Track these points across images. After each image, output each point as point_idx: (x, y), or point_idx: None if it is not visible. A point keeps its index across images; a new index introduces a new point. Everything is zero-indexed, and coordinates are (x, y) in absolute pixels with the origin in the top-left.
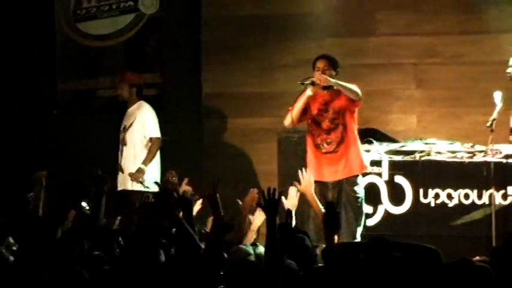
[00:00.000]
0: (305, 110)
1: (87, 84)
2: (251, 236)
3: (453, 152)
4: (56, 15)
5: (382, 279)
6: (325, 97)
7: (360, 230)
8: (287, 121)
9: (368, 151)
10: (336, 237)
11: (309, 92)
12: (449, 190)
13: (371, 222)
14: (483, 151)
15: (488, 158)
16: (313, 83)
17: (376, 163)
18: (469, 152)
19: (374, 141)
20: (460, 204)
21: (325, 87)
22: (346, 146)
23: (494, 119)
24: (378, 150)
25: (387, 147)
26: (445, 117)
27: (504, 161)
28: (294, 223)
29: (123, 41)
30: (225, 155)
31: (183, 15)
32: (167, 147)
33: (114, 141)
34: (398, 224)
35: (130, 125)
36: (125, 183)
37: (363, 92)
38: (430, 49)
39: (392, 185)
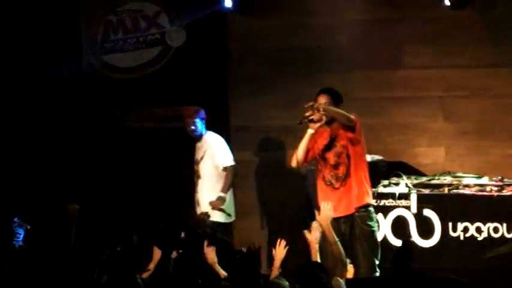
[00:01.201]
0: (312, 148)
1: (114, 116)
2: (275, 271)
3: (481, 186)
4: (83, 47)
5: None
6: (329, 132)
7: (377, 262)
8: (293, 162)
9: (397, 184)
10: (351, 269)
11: (310, 130)
12: (478, 224)
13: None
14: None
15: None
16: (312, 120)
17: (405, 196)
18: (497, 186)
19: (402, 175)
20: (490, 237)
21: (327, 123)
22: (353, 178)
23: None
24: (406, 183)
25: (415, 180)
26: (473, 150)
27: None
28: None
29: (149, 74)
30: (254, 187)
31: (210, 48)
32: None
33: (142, 172)
34: (427, 257)
35: (202, 157)
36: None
37: (392, 126)
38: (457, 82)
39: (420, 218)
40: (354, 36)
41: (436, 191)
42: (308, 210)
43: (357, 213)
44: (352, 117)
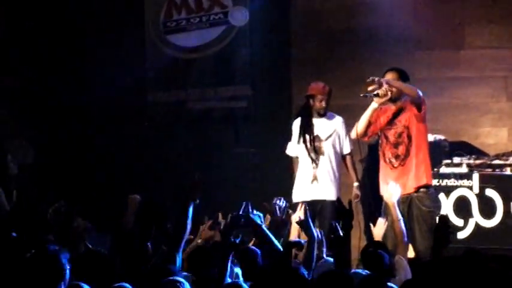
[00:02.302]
0: (375, 123)
1: (177, 96)
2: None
3: None
4: (146, 27)
5: None
6: (393, 110)
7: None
8: (353, 134)
9: (459, 164)
10: (411, 249)
11: (374, 104)
12: None
13: (462, 235)
14: None
15: None
16: (377, 95)
17: (467, 176)
18: None
19: (464, 154)
20: None
21: (392, 100)
22: (412, 159)
23: None
24: (468, 163)
25: (478, 160)
26: None
27: None
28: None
29: (212, 54)
30: None
31: (272, 28)
32: (256, 159)
33: (204, 152)
34: (489, 237)
35: (330, 135)
36: (322, 194)
37: (455, 107)
38: None
39: (482, 198)
40: (417, 16)
41: (498, 171)
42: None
43: (415, 194)
44: (420, 93)
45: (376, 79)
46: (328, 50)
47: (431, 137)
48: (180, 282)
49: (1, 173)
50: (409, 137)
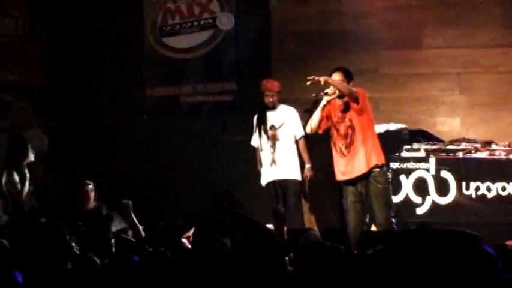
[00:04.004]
0: (327, 118)
1: (172, 91)
2: None
3: (492, 151)
4: (144, 31)
5: (427, 262)
6: (341, 106)
7: (393, 215)
8: (307, 129)
9: (418, 149)
10: (372, 226)
11: (323, 101)
12: (488, 183)
13: (420, 211)
14: None
15: None
16: (326, 94)
17: (424, 160)
18: (505, 151)
19: (422, 141)
20: (498, 195)
21: (339, 97)
22: (357, 145)
23: None
24: (426, 148)
25: (434, 146)
26: (484, 119)
27: None
28: None
29: (202, 54)
30: None
31: (255, 30)
32: (242, 146)
33: (197, 142)
34: (444, 212)
35: (281, 124)
36: (282, 173)
37: (414, 99)
38: (472, 60)
39: (438, 179)
40: (381, 20)
41: (452, 155)
42: None
43: (370, 174)
44: (354, 89)
45: (316, 78)
46: (304, 50)
47: (394, 126)
48: None
49: (21, 160)
50: (353, 128)
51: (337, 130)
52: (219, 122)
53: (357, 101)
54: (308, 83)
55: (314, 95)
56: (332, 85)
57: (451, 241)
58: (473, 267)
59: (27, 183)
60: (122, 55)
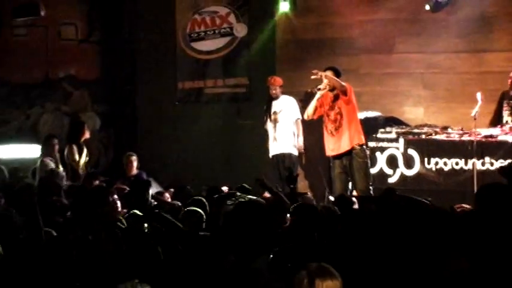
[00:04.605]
0: (320, 107)
1: (197, 84)
2: None
3: (448, 134)
4: (176, 37)
5: (392, 220)
6: (332, 97)
7: (371, 183)
8: (305, 116)
9: (390, 132)
10: (354, 191)
11: (317, 95)
12: (445, 159)
13: (391, 180)
14: (468, 133)
15: (472, 138)
16: (319, 89)
17: (395, 140)
18: (458, 134)
19: (394, 125)
20: (453, 169)
21: (330, 90)
22: (344, 128)
23: (476, 111)
24: (396, 131)
25: (403, 129)
26: (443, 109)
27: (483, 140)
28: None
29: (222, 55)
30: None
31: (264, 37)
32: (255, 136)
33: (217, 124)
34: (410, 182)
35: (281, 110)
36: (281, 148)
37: (387, 93)
38: (432, 63)
39: (406, 156)
40: (362, 31)
41: (416, 137)
42: None
43: (353, 151)
44: (344, 84)
45: (319, 73)
46: (302, 53)
47: (372, 113)
48: None
49: (78, 137)
50: (341, 114)
51: (328, 116)
52: (234, 109)
53: (345, 94)
54: (312, 76)
55: (310, 90)
56: (329, 80)
57: (408, 203)
58: (422, 222)
59: (83, 155)
60: (159, 55)
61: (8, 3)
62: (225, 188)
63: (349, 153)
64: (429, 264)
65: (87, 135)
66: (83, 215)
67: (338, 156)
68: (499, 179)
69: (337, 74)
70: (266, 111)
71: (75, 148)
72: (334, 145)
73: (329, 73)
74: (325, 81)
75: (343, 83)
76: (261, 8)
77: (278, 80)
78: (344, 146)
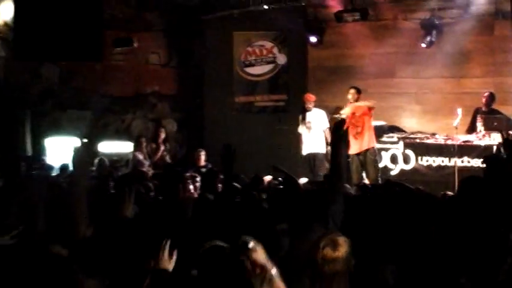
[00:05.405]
0: (348, 117)
1: (249, 99)
2: None
3: (435, 139)
4: (234, 63)
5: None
6: (355, 110)
7: (379, 175)
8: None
9: (392, 137)
10: (366, 180)
11: (343, 116)
12: (433, 158)
13: (393, 173)
14: (451, 138)
15: (454, 142)
16: (341, 114)
17: (396, 143)
18: (444, 139)
19: (395, 131)
20: (439, 165)
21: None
22: (364, 133)
23: (457, 122)
24: (397, 136)
25: (402, 135)
26: (431, 120)
27: (462, 143)
28: None
29: (267, 78)
30: None
31: (299, 64)
32: (291, 138)
33: (263, 129)
34: (407, 174)
35: (315, 119)
36: (312, 149)
37: (390, 107)
38: (424, 85)
39: (404, 154)
40: (371, 60)
41: (412, 141)
42: None
43: (368, 151)
44: (372, 105)
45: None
46: (326, 76)
47: (379, 123)
48: None
49: (157, 137)
50: (363, 123)
51: (353, 124)
52: (276, 118)
53: (370, 110)
54: (336, 115)
55: (334, 116)
56: (370, 107)
57: (404, 190)
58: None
59: (161, 150)
60: (221, 77)
61: (109, 37)
62: (267, 177)
63: (365, 152)
64: (417, 234)
65: (162, 136)
66: (165, 194)
67: (357, 154)
68: (475, 173)
69: (358, 92)
70: (302, 120)
71: (154, 145)
72: (355, 146)
73: (352, 91)
74: (346, 109)
75: (372, 105)
76: (297, 42)
77: (312, 97)
78: (364, 146)
